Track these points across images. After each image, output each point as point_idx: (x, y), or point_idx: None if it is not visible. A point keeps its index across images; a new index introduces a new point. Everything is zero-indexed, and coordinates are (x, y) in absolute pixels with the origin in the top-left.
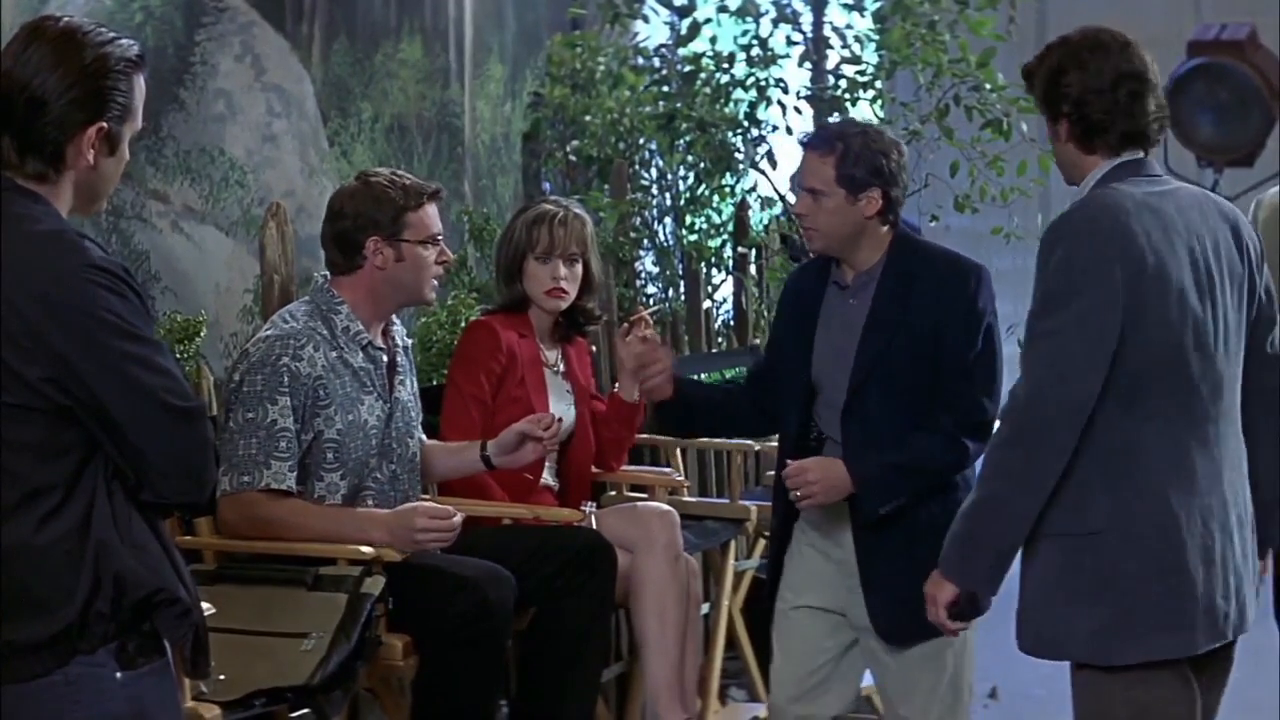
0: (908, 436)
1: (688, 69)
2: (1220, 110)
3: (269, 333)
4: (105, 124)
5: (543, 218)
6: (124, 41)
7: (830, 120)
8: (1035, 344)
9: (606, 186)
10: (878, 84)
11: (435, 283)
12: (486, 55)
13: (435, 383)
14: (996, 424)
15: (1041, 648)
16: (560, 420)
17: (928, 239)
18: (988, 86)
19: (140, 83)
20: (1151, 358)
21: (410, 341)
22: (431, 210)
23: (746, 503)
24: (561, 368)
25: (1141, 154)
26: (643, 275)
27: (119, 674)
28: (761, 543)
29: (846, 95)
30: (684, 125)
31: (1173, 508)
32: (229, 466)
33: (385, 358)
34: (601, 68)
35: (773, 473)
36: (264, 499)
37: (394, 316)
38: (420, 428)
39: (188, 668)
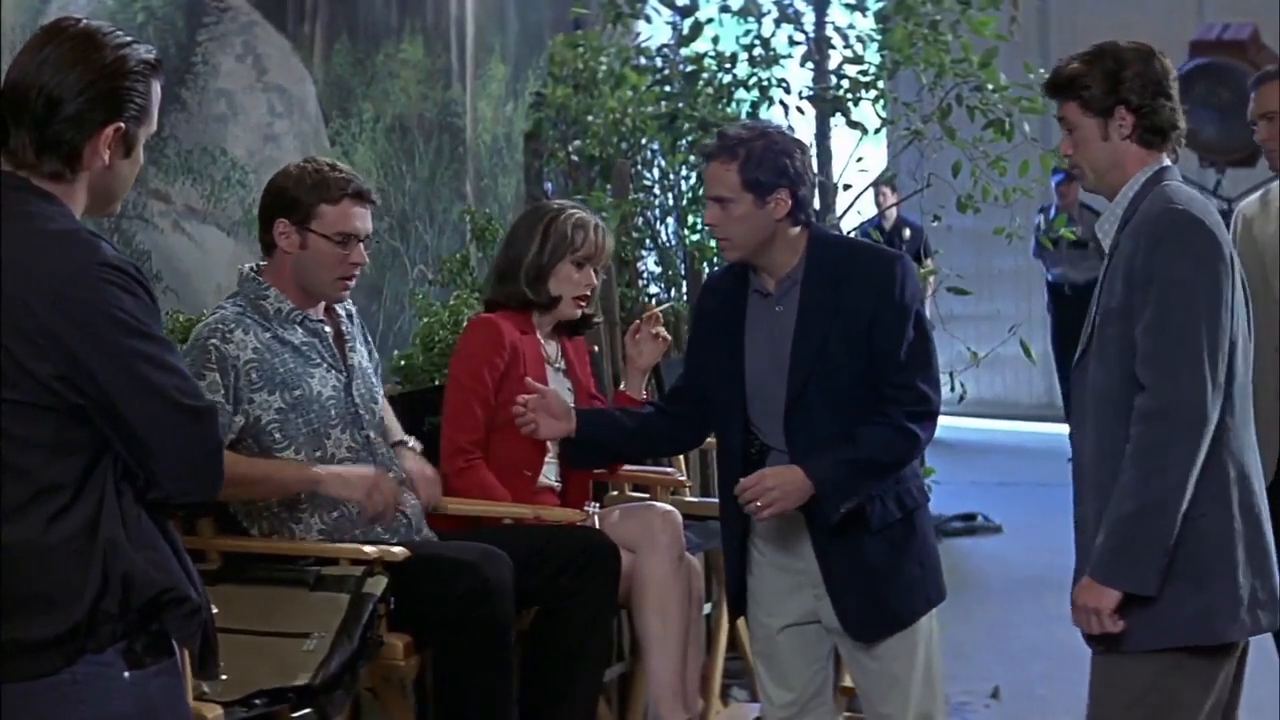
0: (857, 431)
1: (690, 69)
2: (1222, 110)
3: (199, 326)
4: (122, 124)
5: (584, 224)
6: (141, 45)
7: (738, 128)
8: (1172, 338)
9: (609, 186)
10: (880, 84)
11: (344, 283)
12: (488, 55)
13: (437, 383)
14: (1141, 425)
15: (1143, 639)
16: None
17: (841, 236)
18: (990, 86)
19: (156, 87)
20: (1235, 348)
21: (353, 307)
22: (353, 209)
23: None
24: (562, 365)
25: (1173, 160)
26: (645, 275)
27: (127, 673)
28: None
29: (849, 95)
30: (686, 125)
31: (1250, 488)
32: None
33: (329, 329)
34: (604, 68)
35: None
36: None
37: None
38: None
39: (196, 667)
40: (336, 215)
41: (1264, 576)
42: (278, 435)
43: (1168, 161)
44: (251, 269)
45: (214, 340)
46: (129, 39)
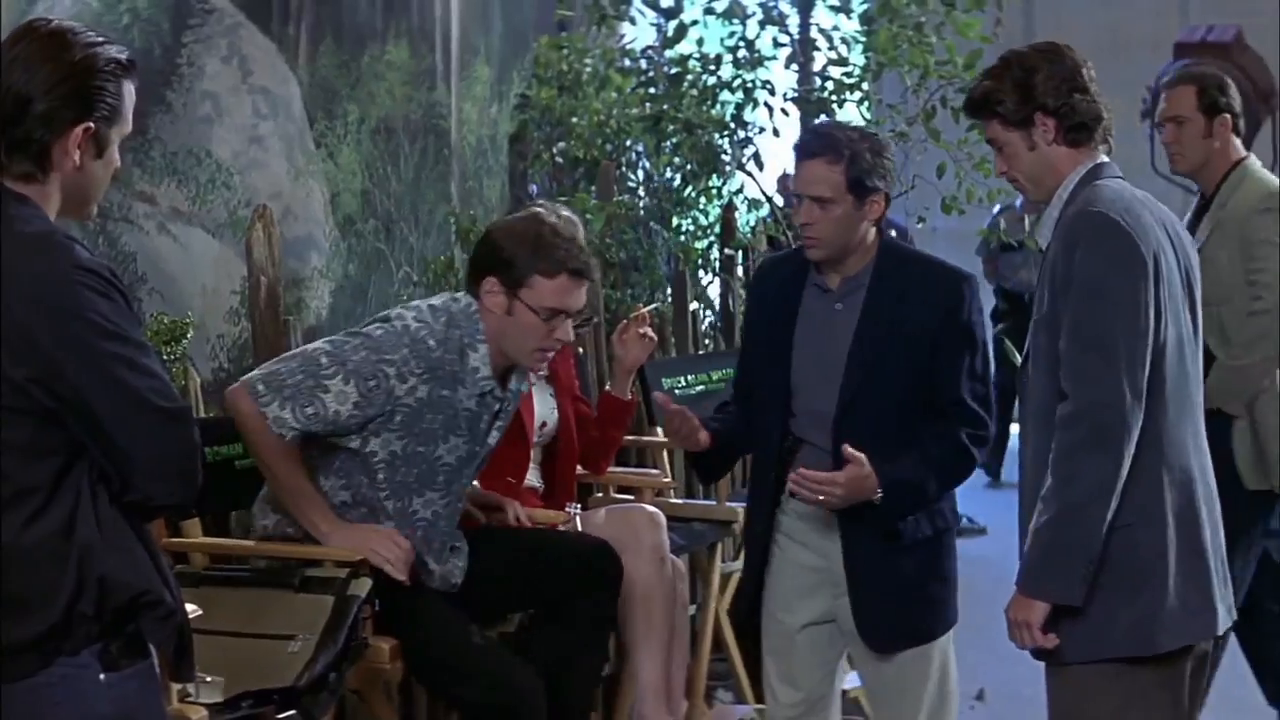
0: (925, 446)
1: (674, 71)
2: None
3: (417, 329)
4: (92, 124)
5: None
6: (114, 45)
7: (818, 123)
8: (1087, 341)
9: (593, 188)
10: (864, 86)
11: (542, 355)
12: (473, 57)
13: None
14: (1059, 432)
15: (1080, 649)
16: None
17: (909, 246)
18: None
19: (130, 88)
20: (1165, 350)
21: (525, 386)
22: (568, 286)
23: (733, 504)
24: (545, 370)
25: (1106, 152)
26: (630, 277)
27: (102, 675)
28: None
29: (833, 97)
30: (670, 127)
31: (1186, 494)
32: (264, 371)
33: (496, 406)
34: (588, 69)
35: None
36: (257, 421)
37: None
38: None
39: (171, 670)
40: (550, 290)
41: (1199, 584)
42: (380, 476)
43: (1103, 157)
44: (471, 303)
45: (389, 369)
46: (100, 38)
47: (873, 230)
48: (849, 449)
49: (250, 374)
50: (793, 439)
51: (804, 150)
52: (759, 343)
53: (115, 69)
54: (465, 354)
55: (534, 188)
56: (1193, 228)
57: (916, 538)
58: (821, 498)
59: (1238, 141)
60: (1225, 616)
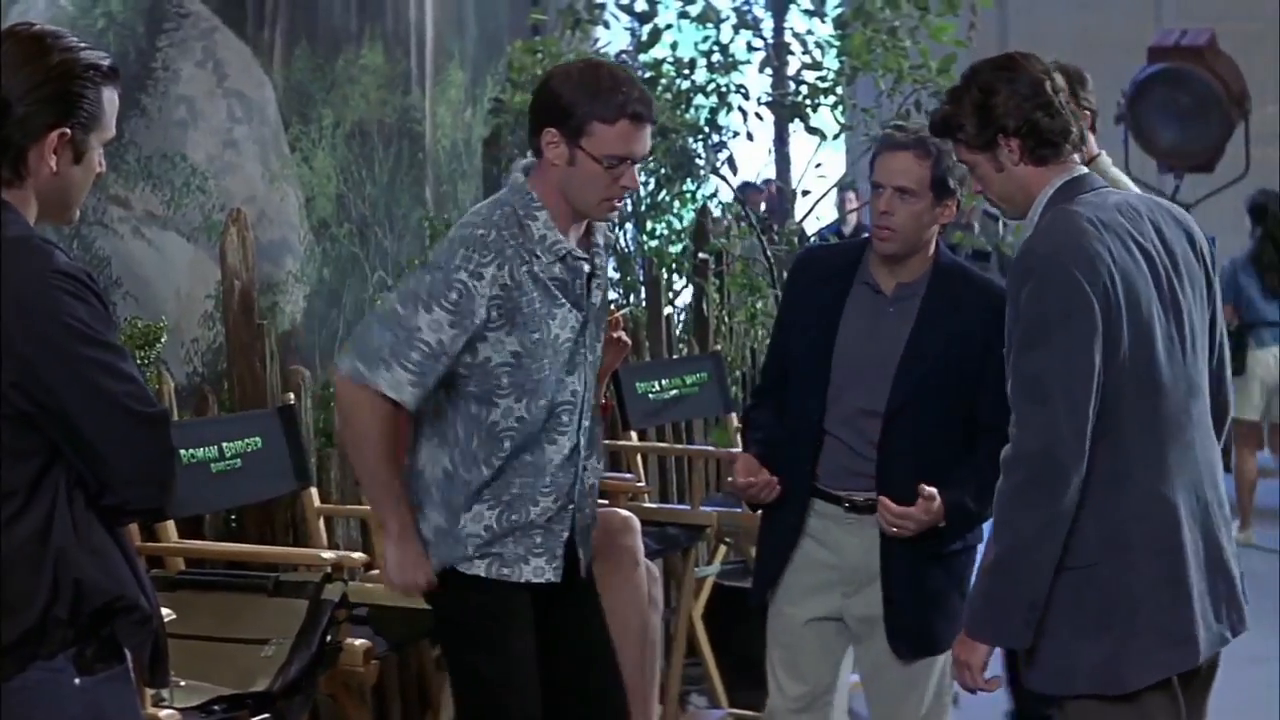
0: (977, 468)
1: (648, 75)
2: (1180, 116)
3: (460, 231)
4: (68, 129)
5: None
6: (95, 50)
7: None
8: (1025, 384)
9: None
10: (839, 90)
11: (611, 204)
12: (447, 61)
13: None
14: (1001, 475)
15: (1049, 683)
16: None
17: (960, 260)
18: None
19: (111, 94)
20: (1126, 375)
21: (613, 236)
22: (630, 131)
23: (707, 509)
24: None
25: (1084, 167)
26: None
27: (77, 680)
28: (723, 549)
29: (807, 101)
30: None
31: (1164, 522)
32: (354, 344)
33: (586, 266)
34: None
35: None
36: (373, 403)
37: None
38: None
39: (146, 675)
40: (611, 137)
41: (1179, 613)
42: (504, 381)
43: (1078, 169)
44: (522, 172)
45: (462, 275)
46: (81, 44)
47: (936, 237)
48: (924, 487)
49: (341, 363)
50: (821, 432)
51: (894, 143)
52: (801, 329)
53: (94, 74)
54: (524, 225)
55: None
56: None
57: (949, 549)
58: (895, 529)
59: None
60: (1213, 641)
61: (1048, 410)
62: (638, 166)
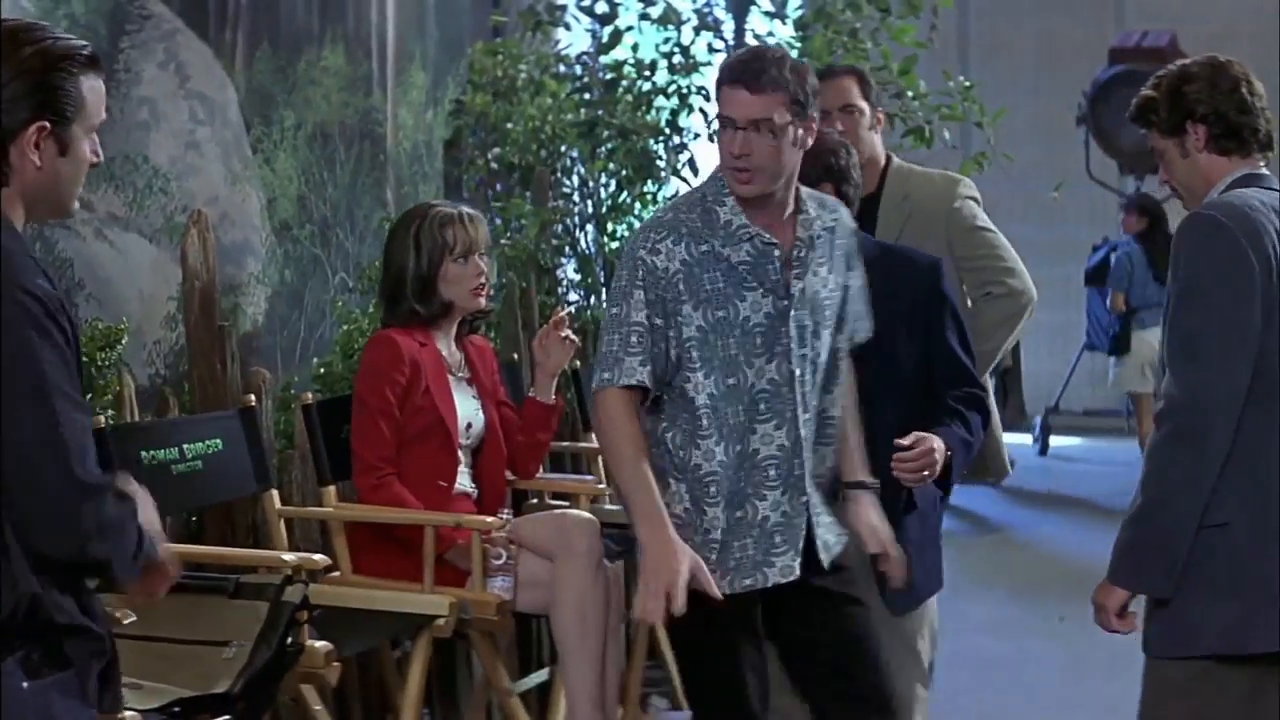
0: (962, 414)
1: (609, 77)
2: None
3: (635, 234)
4: (47, 122)
5: (450, 219)
6: (71, 40)
7: None
8: (1181, 340)
9: (528, 194)
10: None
11: (733, 170)
12: (409, 63)
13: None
14: (1155, 427)
15: (1171, 645)
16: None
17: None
18: (910, 94)
19: (92, 81)
20: (1277, 356)
21: (834, 222)
22: (725, 96)
23: None
24: (466, 373)
25: (1264, 163)
26: (564, 283)
27: (25, 683)
28: None
29: None
30: (606, 133)
31: None
32: (597, 360)
33: (779, 252)
34: (523, 75)
35: None
36: (616, 400)
37: (820, 200)
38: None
39: (93, 700)
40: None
41: None
42: (695, 355)
43: (1259, 168)
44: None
45: (641, 251)
46: (56, 35)
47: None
48: (915, 435)
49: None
50: None
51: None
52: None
53: (69, 64)
54: (711, 211)
55: (494, 193)
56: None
57: (919, 504)
58: (925, 472)
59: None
60: None
61: (1200, 366)
62: (736, 136)
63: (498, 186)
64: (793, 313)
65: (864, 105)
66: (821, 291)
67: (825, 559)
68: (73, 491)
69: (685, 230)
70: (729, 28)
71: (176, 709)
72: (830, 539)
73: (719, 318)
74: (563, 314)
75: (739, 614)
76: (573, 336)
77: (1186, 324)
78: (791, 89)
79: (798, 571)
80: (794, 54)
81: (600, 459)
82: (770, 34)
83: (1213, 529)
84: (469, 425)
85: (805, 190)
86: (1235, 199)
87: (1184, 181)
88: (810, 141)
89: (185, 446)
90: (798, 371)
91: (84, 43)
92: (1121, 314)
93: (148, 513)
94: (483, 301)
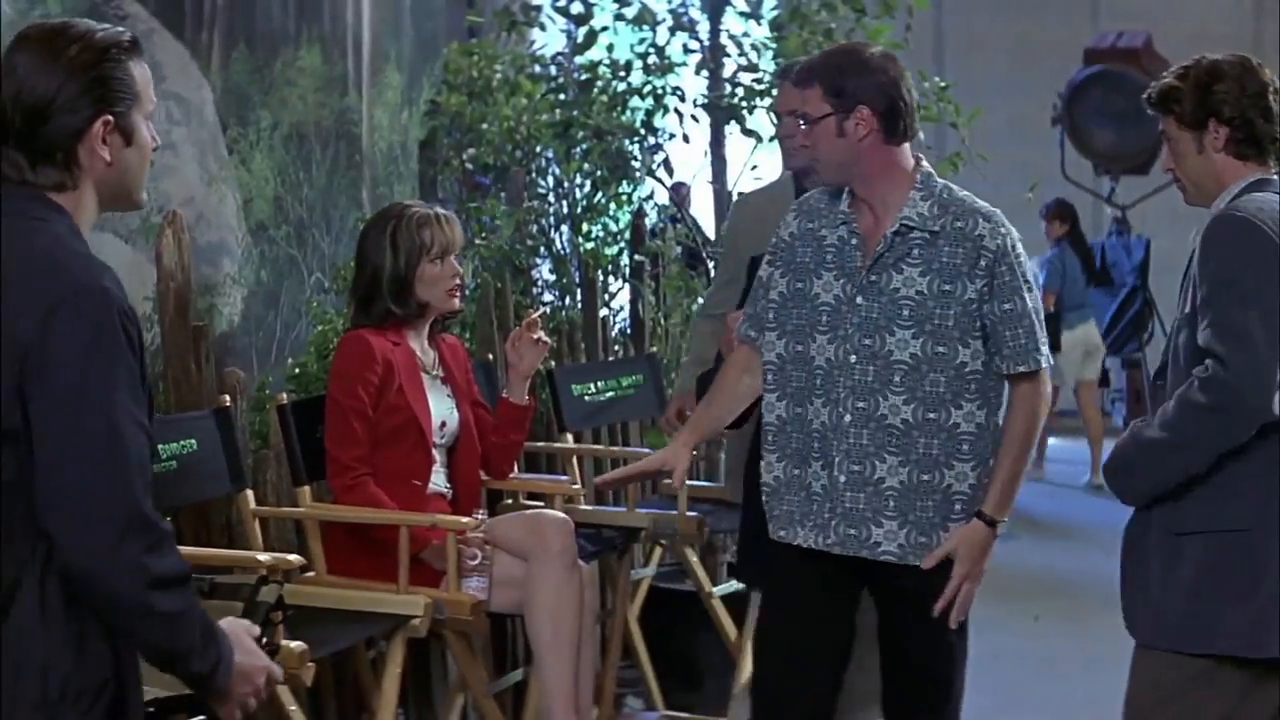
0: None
1: (584, 77)
2: (1117, 118)
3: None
4: (110, 115)
5: (426, 220)
6: (111, 29)
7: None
8: (1228, 332)
9: (503, 194)
10: (775, 92)
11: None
12: (384, 63)
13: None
14: (1193, 389)
15: (1186, 643)
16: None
17: None
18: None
19: (140, 66)
20: None
21: (956, 229)
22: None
23: (643, 511)
24: (440, 372)
25: (1276, 171)
26: (539, 283)
27: None
28: (658, 551)
29: (744, 103)
30: (581, 133)
31: None
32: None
33: (857, 240)
34: (498, 76)
35: (669, 480)
36: (740, 355)
37: (950, 206)
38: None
39: None
40: None
41: None
42: (771, 316)
43: (1271, 175)
44: None
45: (779, 224)
46: (94, 26)
47: None
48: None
49: None
50: None
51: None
52: None
53: (116, 52)
54: (836, 196)
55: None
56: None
57: None
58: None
59: None
60: None
61: (1254, 352)
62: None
63: (473, 187)
64: (859, 300)
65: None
66: (903, 289)
67: (840, 550)
68: (134, 522)
69: (808, 208)
70: (704, 28)
71: (152, 709)
72: (838, 538)
73: (796, 289)
74: (535, 316)
75: (797, 561)
76: (545, 338)
77: (1231, 314)
78: (830, 81)
79: (821, 545)
80: (768, 54)
81: (575, 459)
82: (745, 34)
83: (1230, 533)
84: (443, 424)
85: (942, 190)
86: (1265, 204)
87: (1193, 177)
88: (861, 132)
89: (160, 446)
90: (853, 359)
91: (122, 29)
92: (1049, 314)
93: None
94: (457, 302)
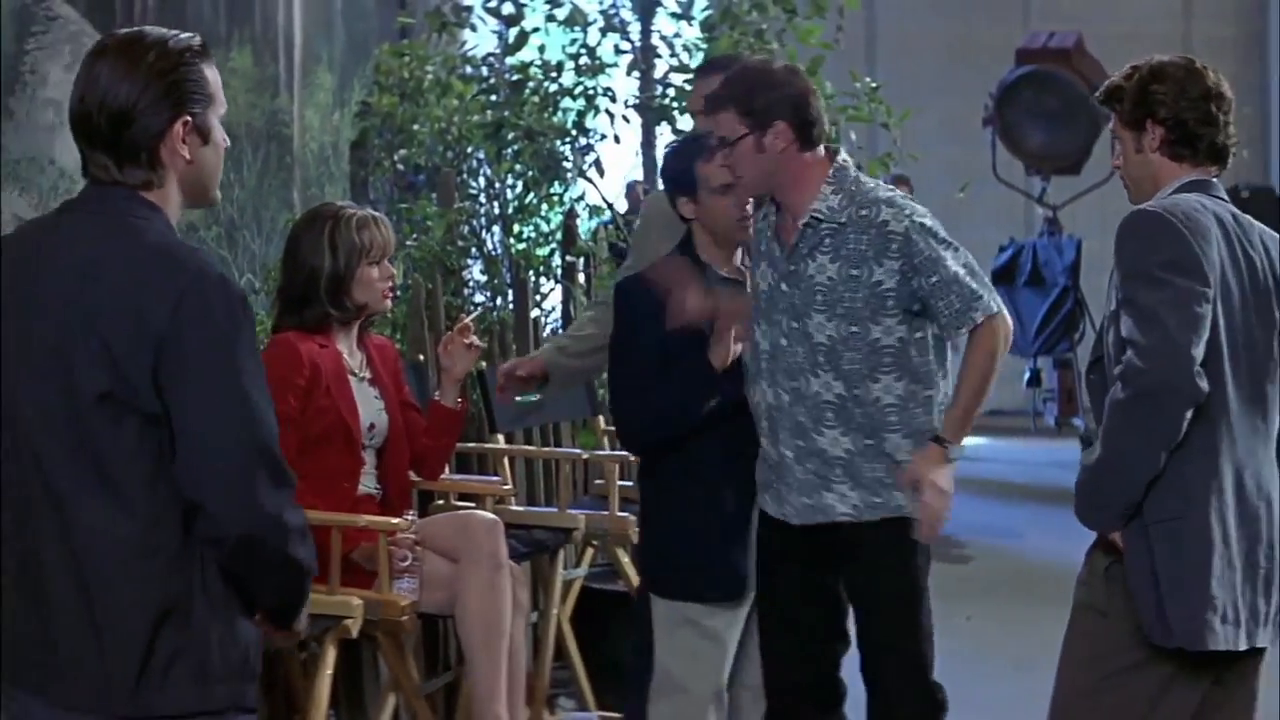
0: None
1: (516, 78)
2: (1048, 118)
3: None
4: (189, 116)
5: (365, 222)
6: (182, 34)
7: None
8: (1141, 317)
9: (434, 195)
10: None
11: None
12: (316, 64)
13: None
14: (1121, 384)
15: (1151, 635)
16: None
17: None
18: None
19: (211, 69)
20: (1221, 346)
21: (862, 218)
22: None
23: (575, 512)
24: (368, 373)
25: (1217, 173)
26: (471, 284)
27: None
28: (590, 552)
29: (675, 104)
30: (512, 134)
31: (1249, 505)
32: None
33: (773, 233)
34: (429, 77)
35: (601, 481)
36: None
37: (857, 196)
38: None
39: None
40: None
41: (1247, 591)
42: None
43: (1209, 178)
44: None
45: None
46: (167, 33)
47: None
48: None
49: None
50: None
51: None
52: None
53: (190, 56)
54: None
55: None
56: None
57: None
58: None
59: None
60: (1265, 634)
61: (1163, 334)
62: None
63: (404, 187)
64: (784, 287)
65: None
66: (818, 277)
67: (790, 520)
68: (274, 480)
69: (761, 206)
70: (635, 29)
71: None
72: (793, 509)
73: (755, 282)
74: (467, 321)
75: (777, 533)
76: (477, 342)
77: (1142, 300)
78: (742, 102)
79: (779, 515)
80: (699, 55)
81: (506, 460)
82: (677, 35)
83: (1164, 524)
84: (371, 426)
85: (852, 184)
86: (1180, 200)
87: (1133, 175)
88: (780, 145)
89: None
90: (783, 342)
91: (192, 34)
92: None
93: None
94: (389, 303)
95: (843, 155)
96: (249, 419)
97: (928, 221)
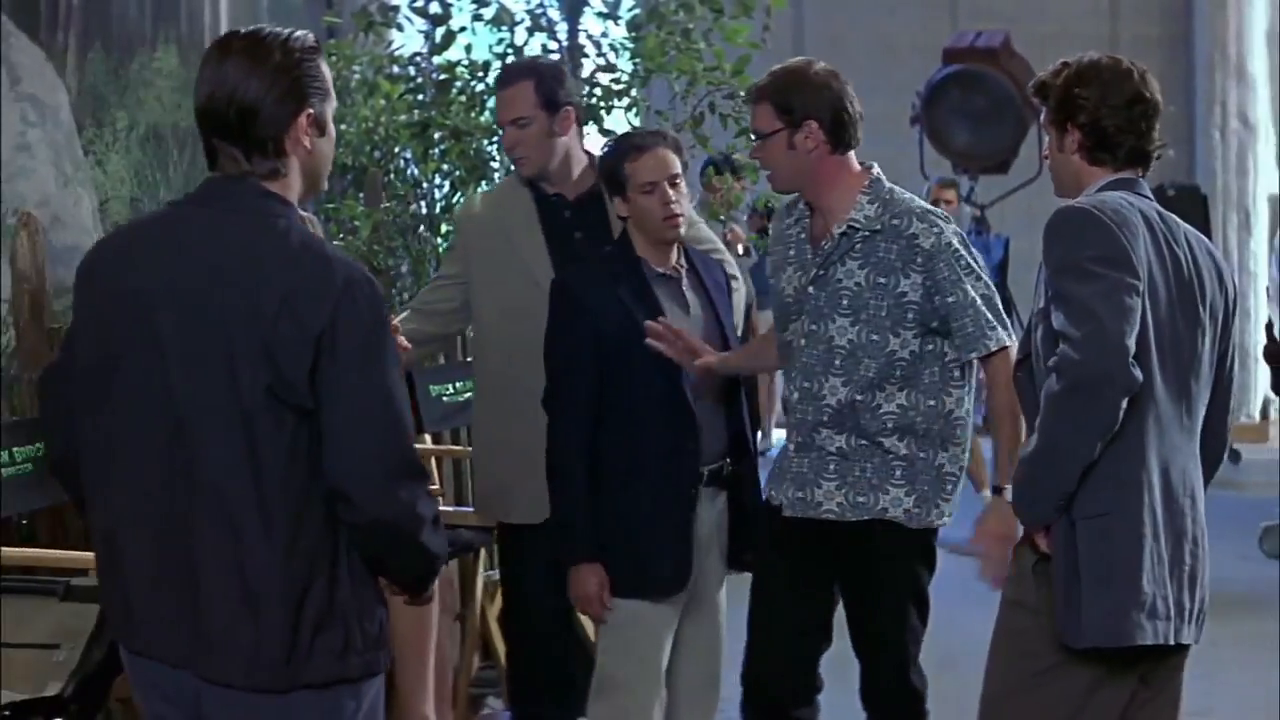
0: None
1: (442, 77)
2: (975, 117)
3: None
4: (311, 109)
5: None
6: (300, 33)
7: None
8: (1074, 309)
9: (361, 195)
10: (633, 92)
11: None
12: None
13: None
14: (1052, 379)
15: (1062, 635)
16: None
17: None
18: (743, 94)
19: (324, 65)
20: (1149, 341)
21: (893, 227)
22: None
23: None
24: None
25: (1141, 174)
26: (398, 284)
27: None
28: None
29: (602, 104)
30: (439, 134)
31: (1183, 501)
32: None
33: (807, 238)
34: (356, 76)
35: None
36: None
37: (891, 205)
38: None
39: None
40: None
41: (1173, 587)
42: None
43: (1134, 174)
44: None
45: None
46: (284, 31)
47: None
48: None
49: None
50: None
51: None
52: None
53: (310, 53)
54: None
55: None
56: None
57: None
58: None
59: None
60: (1190, 630)
61: (1096, 325)
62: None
63: (331, 187)
64: (810, 290)
65: (537, 113)
66: (846, 281)
67: (789, 512)
68: (411, 471)
69: (785, 211)
70: (563, 29)
71: (8, 712)
72: (787, 500)
73: (778, 284)
74: (394, 321)
75: (778, 522)
76: (406, 344)
77: (1072, 293)
78: (779, 98)
79: (774, 503)
80: (626, 55)
81: (433, 460)
82: (604, 35)
83: (1091, 520)
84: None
85: (887, 193)
86: (1108, 198)
87: (1058, 171)
88: (810, 145)
89: (15, 450)
90: (803, 342)
91: (306, 31)
92: None
93: None
94: None
95: (876, 169)
96: (393, 416)
97: (956, 242)
